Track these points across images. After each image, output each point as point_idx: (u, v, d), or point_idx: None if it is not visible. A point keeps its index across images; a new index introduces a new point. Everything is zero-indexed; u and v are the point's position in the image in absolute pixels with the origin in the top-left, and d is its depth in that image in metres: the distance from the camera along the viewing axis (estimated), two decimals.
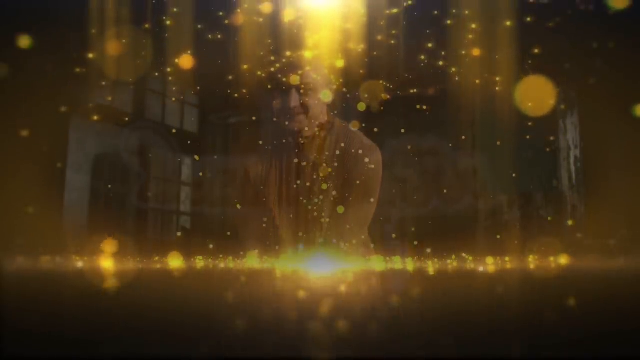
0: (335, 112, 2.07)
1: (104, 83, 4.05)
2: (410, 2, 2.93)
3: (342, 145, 1.98)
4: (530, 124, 4.16)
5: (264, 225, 1.98)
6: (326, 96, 1.99)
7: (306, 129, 1.96)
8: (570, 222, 4.28)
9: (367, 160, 1.96)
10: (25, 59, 3.19)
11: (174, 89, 5.16)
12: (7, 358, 0.83)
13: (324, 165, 1.97)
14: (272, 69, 1.96)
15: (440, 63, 3.55)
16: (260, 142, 2.05)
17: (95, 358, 0.83)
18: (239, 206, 2.03)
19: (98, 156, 4.58)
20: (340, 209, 1.93)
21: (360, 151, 1.97)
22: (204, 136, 5.68)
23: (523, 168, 4.50)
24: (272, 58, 1.99)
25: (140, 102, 5.02)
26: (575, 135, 4.55)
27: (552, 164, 4.54)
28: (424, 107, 4.57)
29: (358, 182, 1.95)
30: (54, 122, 3.48)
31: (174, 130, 5.23)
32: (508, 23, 3.16)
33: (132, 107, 4.94)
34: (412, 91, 4.46)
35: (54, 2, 3.14)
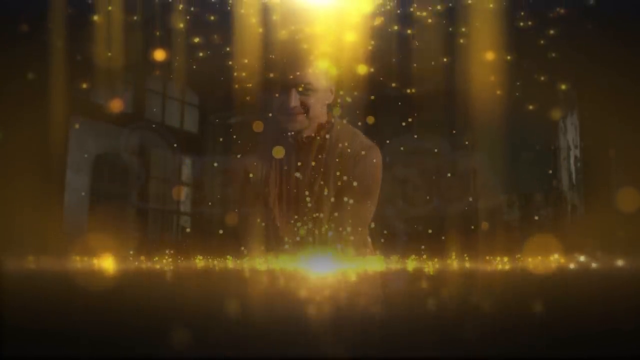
0: (340, 111, 2.07)
1: (104, 83, 4.04)
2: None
3: (342, 145, 1.98)
4: (530, 124, 4.15)
5: (264, 226, 1.98)
6: (326, 96, 1.99)
7: (306, 129, 1.96)
8: (570, 222, 4.28)
9: (366, 160, 1.96)
10: (23, 58, 3.19)
11: (176, 87, 5.15)
12: (7, 358, 0.83)
13: (324, 166, 1.96)
14: (273, 69, 1.96)
15: (442, 62, 3.55)
16: (260, 142, 2.05)
17: (95, 357, 0.83)
18: (237, 209, 2.02)
19: (98, 156, 4.58)
20: (340, 210, 1.93)
21: (360, 151, 1.97)
22: (204, 136, 5.67)
23: (523, 168, 4.50)
24: (273, 58, 1.99)
25: (140, 102, 5.02)
26: (575, 135, 4.55)
27: (552, 164, 4.54)
28: (425, 107, 4.57)
29: (358, 182, 1.94)
30: (54, 122, 3.48)
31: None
32: (508, 24, 3.16)
33: (132, 107, 4.94)
34: (413, 91, 4.46)
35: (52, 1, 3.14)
